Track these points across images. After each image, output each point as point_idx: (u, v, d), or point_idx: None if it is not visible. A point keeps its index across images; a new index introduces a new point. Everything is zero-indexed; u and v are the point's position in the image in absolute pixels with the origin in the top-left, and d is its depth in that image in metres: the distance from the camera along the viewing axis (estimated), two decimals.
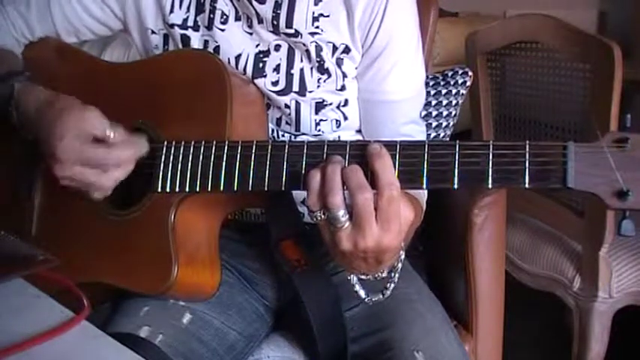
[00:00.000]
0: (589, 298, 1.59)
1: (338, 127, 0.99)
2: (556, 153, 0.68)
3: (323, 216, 0.72)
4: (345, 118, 0.99)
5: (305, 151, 0.76)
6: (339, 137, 1.00)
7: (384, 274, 0.78)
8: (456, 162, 0.70)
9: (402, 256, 0.78)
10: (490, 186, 0.69)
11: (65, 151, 0.82)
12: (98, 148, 0.83)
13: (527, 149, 0.68)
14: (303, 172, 0.76)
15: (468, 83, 1.31)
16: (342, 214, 0.70)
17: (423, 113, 1.27)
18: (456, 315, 1.18)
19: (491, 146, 0.70)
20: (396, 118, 1.00)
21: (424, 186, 0.72)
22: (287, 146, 0.77)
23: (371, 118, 1.00)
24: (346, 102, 0.98)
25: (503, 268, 1.23)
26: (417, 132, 1.03)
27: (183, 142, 0.84)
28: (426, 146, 0.72)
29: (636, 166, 0.65)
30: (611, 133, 0.67)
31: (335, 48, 0.95)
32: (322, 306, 0.89)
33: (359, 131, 1.02)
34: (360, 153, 0.73)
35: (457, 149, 0.71)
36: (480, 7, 3.83)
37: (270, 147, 0.78)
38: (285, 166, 0.77)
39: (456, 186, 0.70)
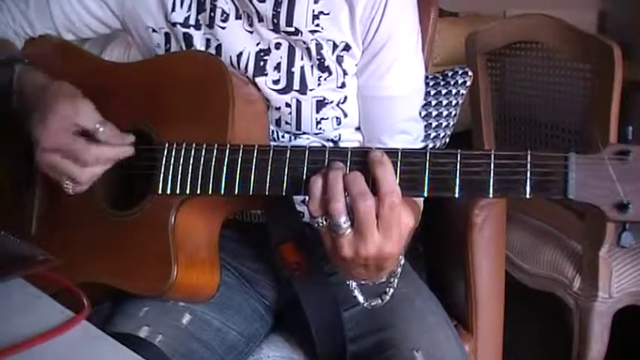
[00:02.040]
0: (589, 298, 1.59)
1: (338, 124, 0.99)
2: (557, 164, 0.68)
3: (325, 222, 0.72)
4: (345, 115, 0.99)
5: (306, 156, 0.76)
6: (339, 135, 1.00)
7: (384, 279, 0.79)
8: (457, 171, 0.71)
9: (402, 261, 0.78)
10: (491, 195, 0.70)
11: (49, 138, 0.83)
12: (81, 142, 0.83)
13: (529, 159, 0.68)
14: (305, 177, 0.76)
15: (468, 83, 1.31)
16: (343, 220, 0.70)
17: (423, 113, 1.27)
18: (456, 315, 1.18)
19: (492, 156, 0.70)
20: (394, 115, 1.00)
21: (425, 194, 0.72)
22: (289, 151, 0.77)
23: (370, 115, 1.00)
24: (345, 99, 0.98)
25: (503, 268, 1.23)
26: (416, 129, 1.03)
27: (184, 144, 0.83)
28: (428, 154, 0.72)
29: (637, 179, 0.66)
30: (612, 145, 0.67)
31: (335, 46, 0.95)
32: (321, 309, 0.90)
33: (358, 129, 1.02)
34: (361, 159, 0.73)
35: (458, 158, 0.71)
36: (480, 7, 3.83)
37: (271, 152, 0.78)
38: (286, 172, 0.77)
39: (457, 195, 0.71)
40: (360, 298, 0.81)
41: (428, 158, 0.72)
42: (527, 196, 0.68)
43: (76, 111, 0.84)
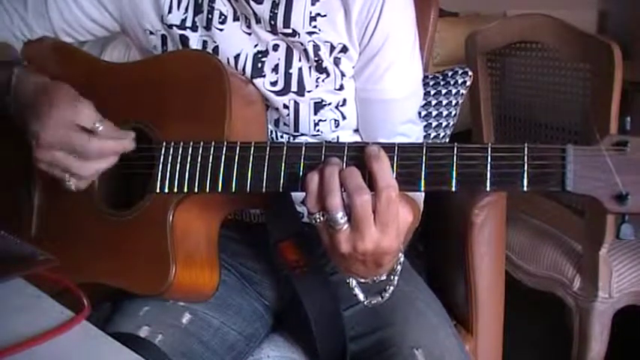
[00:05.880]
0: (589, 298, 1.59)
1: (337, 127, 0.99)
2: (555, 156, 0.67)
3: (322, 218, 0.71)
4: (344, 118, 0.99)
5: (303, 152, 0.76)
6: (337, 137, 1.00)
7: (383, 278, 0.78)
8: (454, 164, 0.70)
9: (402, 259, 0.78)
10: (488, 189, 0.69)
11: (49, 134, 0.82)
12: (81, 135, 0.83)
13: (526, 152, 0.68)
14: (301, 173, 0.76)
15: (468, 83, 1.31)
16: (340, 216, 0.70)
17: (423, 113, 1.27)
18: (456, 315, 1.18)
19: (489, 149, 0.69)
20: (392, 117, 1.00)
21: (422, 188, 0.72)
22: (285, 148, 0.77)
23: (368, 117, 1.00)
24: (344, 101, 0.99)
25: (503, 268, 1.23)
26: (415, 131, 1.03)
27: (181, 143, 0.84)
28: (424, 148, 0.72)
29: (635, 170, 0.65)
30: (610, 136, 0.66)
31: (332, 47, 0.95)
32: (321, 307, 0.89)
33: (357, 131, 1.03)
34: (357, 155, 0.73)
35: (455, 152, 0.70)
36: (480, 7, 3.83)
37: (268, 148, 0.78)
38: (283, 168, 0.77)
39: (454, 188, 0.70)
40: (361, 296, 0.80)
41: (424, 152, 0.72)
42: (525, 189, 0.68)
43: (74, 111, 0.83)
